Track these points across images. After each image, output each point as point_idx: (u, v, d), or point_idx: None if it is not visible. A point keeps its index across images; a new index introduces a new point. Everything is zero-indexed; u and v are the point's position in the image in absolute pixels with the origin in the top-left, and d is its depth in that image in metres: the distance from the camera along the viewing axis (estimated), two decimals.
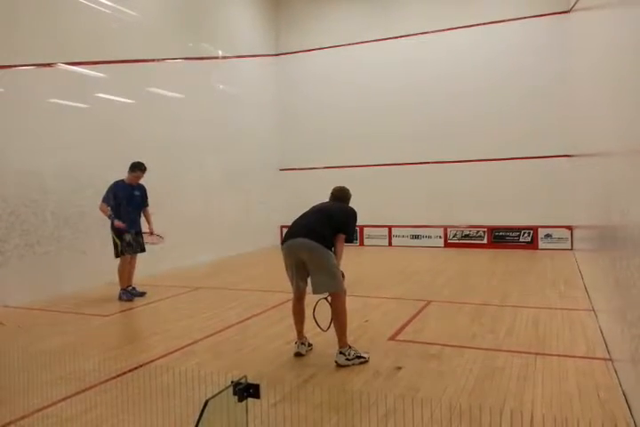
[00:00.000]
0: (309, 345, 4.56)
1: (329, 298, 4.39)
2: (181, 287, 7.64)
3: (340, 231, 4.50)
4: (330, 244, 4.41)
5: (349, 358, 4.15)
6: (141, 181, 7.23)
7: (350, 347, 4.23)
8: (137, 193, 7.16)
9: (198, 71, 10.98)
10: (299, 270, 4.46)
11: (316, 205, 4.92)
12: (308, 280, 4.43)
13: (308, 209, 4.87)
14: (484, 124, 11.96)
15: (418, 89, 12.54)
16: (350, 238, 4.61)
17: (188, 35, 10.75)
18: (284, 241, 4.59)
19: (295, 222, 4.71)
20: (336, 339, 4.22)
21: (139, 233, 7.15)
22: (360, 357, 4.19)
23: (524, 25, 11.66)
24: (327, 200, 5.10)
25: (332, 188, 5.22)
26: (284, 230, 15.71)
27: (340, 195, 5.11)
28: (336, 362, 4.15)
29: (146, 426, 3.01)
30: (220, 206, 11.18)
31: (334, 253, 4.42)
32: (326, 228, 4.44)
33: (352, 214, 4.79)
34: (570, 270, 8.60)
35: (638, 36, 2.91)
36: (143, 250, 7.20)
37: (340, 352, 4.17)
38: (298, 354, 4.41)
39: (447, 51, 12.36)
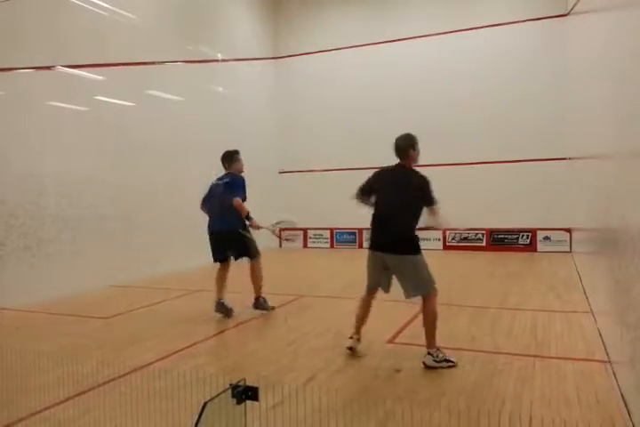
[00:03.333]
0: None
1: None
2: (180, 290, 7.62)
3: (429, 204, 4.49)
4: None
5: (437, 360, 4.05)
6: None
7: (438, 349, 4.13)
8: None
9: (197, 74, 10.99)
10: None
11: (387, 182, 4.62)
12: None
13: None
14: (482, 126, 11.98)
15: (416, 92, 12.56)
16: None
17: (188, 38, 10.77)
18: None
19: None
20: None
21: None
22: (448, 360, 4.07)
23: (522, 28, 11.71)
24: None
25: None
26: (282, 233, 15.65)
27: (404, 144, 4.72)
28: (424, 363, 4.06)
29: None
30: None
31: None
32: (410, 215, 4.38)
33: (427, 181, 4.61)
34: (568, 273, 8.60)
35: (636, 39, 2.92)
36: None
37: (429, 353, 4.09)
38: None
39: (445, 54, 12.39)
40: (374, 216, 4.57)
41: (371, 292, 4.67)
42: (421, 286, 4.34)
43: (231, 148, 6.33)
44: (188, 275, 9.06)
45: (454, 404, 3.30)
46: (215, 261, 6.05)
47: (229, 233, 5.84)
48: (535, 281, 8.00)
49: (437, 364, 4.05)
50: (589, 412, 3.20)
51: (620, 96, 3.55)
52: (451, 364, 4.07)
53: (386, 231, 4.41)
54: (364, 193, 4.69)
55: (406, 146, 4.68)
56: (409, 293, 4.38)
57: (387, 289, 4.58)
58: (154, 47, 9.80)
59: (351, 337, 4.46)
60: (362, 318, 4.54)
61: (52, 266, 7.43)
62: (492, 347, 4.61)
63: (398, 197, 4.41)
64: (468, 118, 12.10)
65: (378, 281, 4.58)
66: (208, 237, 5.96)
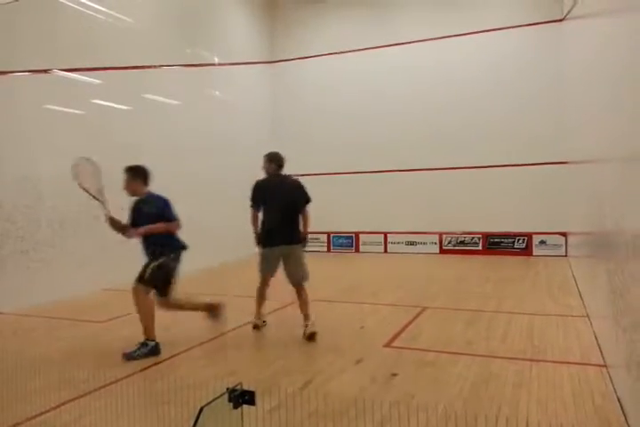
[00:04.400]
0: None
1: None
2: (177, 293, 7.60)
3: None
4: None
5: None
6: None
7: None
8: None
9: (194, 78, 11.00)
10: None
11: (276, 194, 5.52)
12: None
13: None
14: (478, 131, 12.01)
15: (413, 96, 12.59)
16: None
17: (185, 41, 10.78)
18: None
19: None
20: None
21: None
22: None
23: (518, 33, 11.75)
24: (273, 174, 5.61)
25: (269, 155, 5.69)
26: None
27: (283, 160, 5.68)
28: (310, 333, 5.04)
29: None
30: (217, 212, 11.16)
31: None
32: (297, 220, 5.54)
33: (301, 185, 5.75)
34: (564, 277, 8.62)
35: (631, 43, 2.94)
36: None
37: (308, 324, 5.24)
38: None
39: (441, 59, 12.43)
40: None
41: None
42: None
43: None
44: (184, 279, 9.01)
45: (451, 408, 3.31)
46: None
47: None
48: (531, 285, 8.02)
49: (311, 329, 5.13)
50: (586, 416, 3.21)
51: (615, 100, 3.57)
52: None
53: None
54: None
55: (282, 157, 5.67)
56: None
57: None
58: (150, 51, 9.81)
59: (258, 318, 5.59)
60: (263, 302, 5.66)
61: (48, 270, 7.41)
62: (488, 351, 4.61)
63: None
64: (463, 123, 12.13)
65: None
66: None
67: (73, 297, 7.38)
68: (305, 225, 5.61)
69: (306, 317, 5.33)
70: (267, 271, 5.54)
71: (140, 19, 9.52)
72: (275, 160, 5.59)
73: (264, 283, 5.65)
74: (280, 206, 5.41)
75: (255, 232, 5.53)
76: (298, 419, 3.04)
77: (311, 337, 5.06)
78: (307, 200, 5.67)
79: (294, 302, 6.87)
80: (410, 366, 4.21)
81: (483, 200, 11.93)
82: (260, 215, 5.54)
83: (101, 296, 7.72)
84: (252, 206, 5.59)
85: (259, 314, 5.65)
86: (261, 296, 5.67)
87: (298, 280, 5.43)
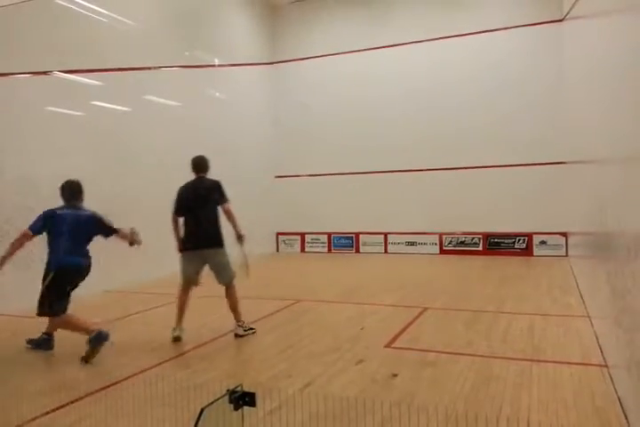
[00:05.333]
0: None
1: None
2: (174, 295, 7.60)
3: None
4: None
5: (245, 329, 5.25)
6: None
7: (244, 322, 5.34)
8: None
9: (194, 79, 11.00)
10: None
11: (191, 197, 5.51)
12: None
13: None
14: (478, 131, 12.01)
15: (413, 97, 12.60)
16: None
17: (184, 43, 10.78)
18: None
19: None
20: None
21: None
22: (251, 328, 5.28)
23: (518, 33, 11.76)
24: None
25: (194, 159, 5.73)
26: (280, 237, 15.55)
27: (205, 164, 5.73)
28: (236, 334, 5.15)
29: None
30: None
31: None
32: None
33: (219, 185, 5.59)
34: (565, 277, 8.61)
35: (632, 43, 2.94)
36: None
37: (239, 325, 5.23)
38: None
39: (441, 59, 12.43)
40: None
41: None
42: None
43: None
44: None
45: (451, 408, 3.30)
46: None
47: None
48: (531, 285, 8.01)
49: (245, 332, 5.22)
50: (586, 416, 3.20)
51: (616, 100, 3.57)
52: (253, 330, 5.32)
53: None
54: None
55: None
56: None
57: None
58: (150, 52, 9.81)
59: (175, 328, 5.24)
60: (184, 311, 5.36)
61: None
62: (489, 351, 4.61)
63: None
64: (463, 123, 12.13)
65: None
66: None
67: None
68: (233, 225, 5.56)
69: (235, 316, 5.37)
70: (187, 275, 5.49)
71: (141, 20, 9.52)
72: (193, 165, 5.65)
73: (185, 289, 5.50)
74: (196, 210, 5.42)
75: (177, 238, 5.54)
76: (299, 420, 3.04)
77: (237, 336, 5.24)
78: (223, 200, 5.52)
79: (295, 303, 6.89)
80: (410, 367, 4.20)
81: (483, 200, 11.93)
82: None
83: (102, 298, 7.72)
84: (172, 212, 5.61)
85: (179, 323, 5.29)
86: (182, 304, 5.39)
87: (223, 281, 5.48)
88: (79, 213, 5.01)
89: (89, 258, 5.02)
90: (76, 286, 4.96)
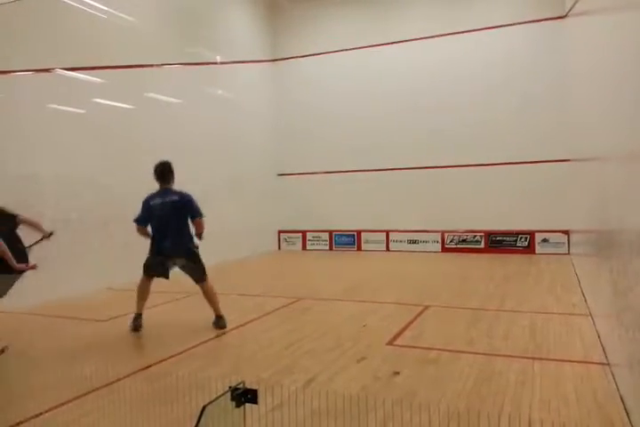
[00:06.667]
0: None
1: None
2: (178, 293, 7.61)
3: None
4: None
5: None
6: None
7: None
8: None
9: (196, 76, 11.00)
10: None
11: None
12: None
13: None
14: (481, 129, 12.00)
15: (415, 94, 12.58)
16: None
17: (186, 40, 10.78)
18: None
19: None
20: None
21: None
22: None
23: (520, 30, 11.74)
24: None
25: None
26: (282, 235, 15.56)
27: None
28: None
29: None
30: (219, 212, 11.16)
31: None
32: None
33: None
34: (567, 275, 8.61)
35: (634, 40, 2.93)
36: None
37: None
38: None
39: (443, 56, 12.42)
40: None
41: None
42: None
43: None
44: (186, 277, 9.03)
45: (453, 406, 3.30)
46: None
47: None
48: (533, 283, 8.01)
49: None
50: (588, 414, 3.20)
51: (618, 98, 3.56)
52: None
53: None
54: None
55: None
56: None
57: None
58: (152, 50, 9.81)
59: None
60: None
61: (51, 268, 7.39)
62: (491, 349, 4.61)
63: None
64: (466, 121, 12.12)
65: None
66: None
67: (77, 296, 7.39)
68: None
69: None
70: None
71: (142, 17, 9.51)
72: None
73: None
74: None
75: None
76: (300, 417, 3.04)
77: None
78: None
79: (296, 301, 6.89)
80: (412, 365, 4.21)
81: (485, 198, 11.92)
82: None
83: (105, 295, 7.74)
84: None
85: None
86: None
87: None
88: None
89: None
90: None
